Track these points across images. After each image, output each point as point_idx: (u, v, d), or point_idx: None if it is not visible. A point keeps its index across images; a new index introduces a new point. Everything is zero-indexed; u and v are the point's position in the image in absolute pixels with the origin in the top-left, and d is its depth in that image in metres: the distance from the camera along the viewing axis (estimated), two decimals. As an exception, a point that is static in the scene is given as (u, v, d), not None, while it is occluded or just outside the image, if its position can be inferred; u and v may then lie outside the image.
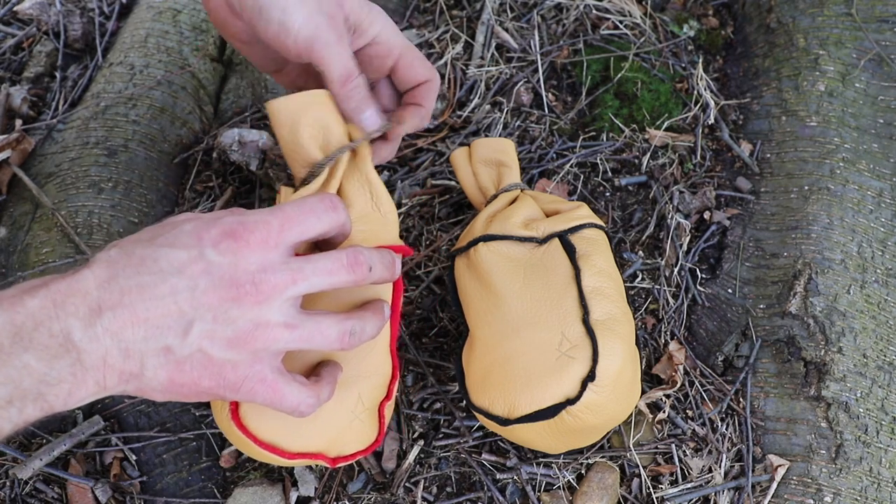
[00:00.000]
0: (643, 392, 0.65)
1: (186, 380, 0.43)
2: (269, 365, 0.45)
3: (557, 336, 0.55)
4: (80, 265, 0.42)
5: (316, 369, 0.52)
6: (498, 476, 0.63)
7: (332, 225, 0.48)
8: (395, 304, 0.59)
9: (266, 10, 0.52)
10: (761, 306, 0.69)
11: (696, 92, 0.80)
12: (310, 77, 0.63)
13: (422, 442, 0.65)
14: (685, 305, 0.70)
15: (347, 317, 0.48)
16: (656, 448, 0.64)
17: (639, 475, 0.63)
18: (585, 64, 0.83)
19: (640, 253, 0.73)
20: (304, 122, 0.56)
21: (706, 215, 0.75)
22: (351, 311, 0.50)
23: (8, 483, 0.63)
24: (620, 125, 0.79)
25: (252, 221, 0.44)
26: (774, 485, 0.62)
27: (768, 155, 0.77)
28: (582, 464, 0.63)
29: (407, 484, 0.63)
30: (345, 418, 0.55)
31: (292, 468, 0.64)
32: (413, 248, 0.75)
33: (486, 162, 0.69)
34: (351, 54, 0.56)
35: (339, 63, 0.55)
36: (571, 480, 0.63)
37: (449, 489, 0.64)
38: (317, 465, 0.64)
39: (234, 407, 0.52)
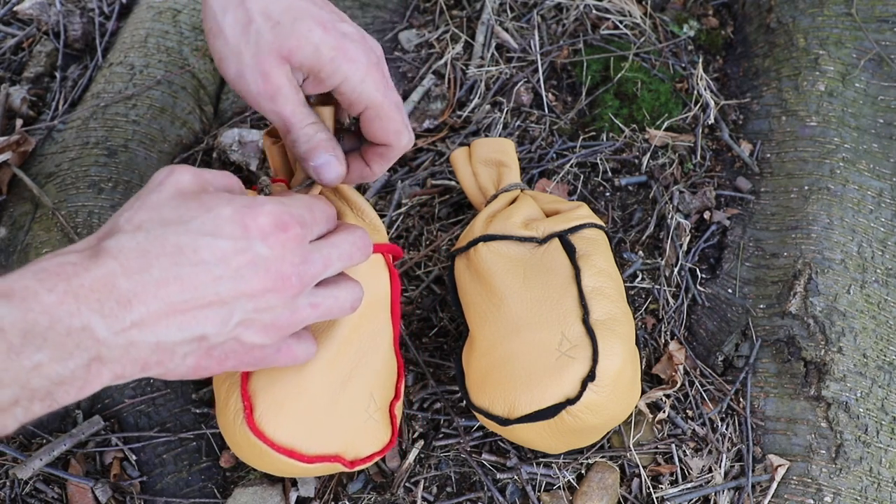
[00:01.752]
0: (643, 392, 0.65)
1: (212, 363, 0.44)
2: (290, 338, 0.48)
3: (557, 336, 0.55)
4: (94, 247, 0.39)
5: None
6: (498, 476, 0.63)
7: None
8: (395, 303, 0.60)
9: (222, 61, 0.51)
10: (761, 306, 0.69)
11: (696, 92, 0.80)
12: None
13: (422, 442, 0.65)
14: (685, 305, 0.70)
15: (353, 282, 0.50)
16: (656, 448, 0.64)
17: (639, 475, 0.63)
18: (585, 64, 0.83)
19: (640, 253, 0.73)
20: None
21: (706, 215, 0.75)
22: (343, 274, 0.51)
23: (8, 483, 0.63)
24: (620, 125, 0.79)
25: (298, 214, 0.45)
26: (774, 485, 0.62)
27: (768, 155, 0.77)
28: (582, 464, 0.63)
29: (407, 484, 0.63)
30: (360, 418, 0.56)
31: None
32: (413, 248, 0.75)
33: (486, 162, 0.68)
34: (292, 108, 0.51)
35: (276, 119, 0.52)
36: (571, 480, 0.63)
37: (449, 489, 0.64)
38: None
39: (249, 412, 0.51)
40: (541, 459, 0.63)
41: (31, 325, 0.36)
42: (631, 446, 0.63)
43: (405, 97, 0.83)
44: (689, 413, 0.66)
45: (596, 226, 0.62)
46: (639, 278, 0.72)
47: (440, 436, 0.65)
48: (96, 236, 0.41)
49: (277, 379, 0.52)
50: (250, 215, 0.42)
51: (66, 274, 0.37)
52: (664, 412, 0.65)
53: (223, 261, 0.41)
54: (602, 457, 0.64)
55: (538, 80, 0.82)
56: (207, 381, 0.68)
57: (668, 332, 0.69)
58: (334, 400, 0.54)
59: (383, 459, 0.64)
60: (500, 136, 0.79)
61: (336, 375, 0.55)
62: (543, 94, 0.82)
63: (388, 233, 0.75)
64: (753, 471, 0.63)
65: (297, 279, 0.44)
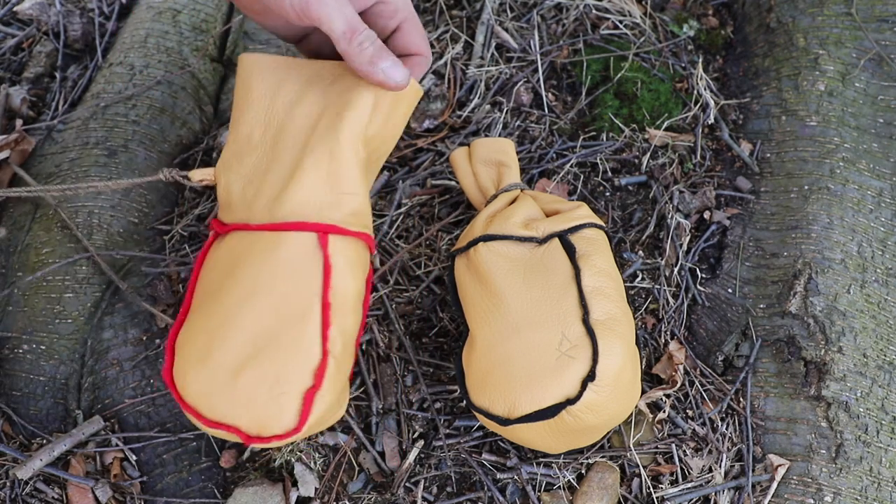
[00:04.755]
0: (643, 392, 0.65)
1: None
2: None
3: (557, 336, 0.55)
4: None
5: None
6: (498, 476, 0.63)
7: None
8: (366, 294, 0.60)
9: None
10: (761, 306, 0.69)
11: (695, 92, 0.80)
12: (331, 46, 0.61)
13: (422, 442, 0.65)
14: (685, 305, 0.70)
15: None
16: (656, 448, 0.64)
17: (639, 475, 0.63)
18: (585, 64, 0.83)
19: (640, 253, 0.73)
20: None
21: (706, 215, 0.75)
22: None
23: (8, 483, 0.63)
24: (620, 125, 0.79)
25: None
26: (774, 484, 0.62)
27: (768, 155, 0.77)
28: (582, 464, 0.63)
29: (407, 484, 0.63)
30: (263, 396, 0.53)
31: (292, 468, 0.64)
32: (413, 247, 0.74)
33: (486, 162, 0.69)
34: (352, 9, 0.54)
35: (339, 19, 0.53)
36: (571, 480, 0.63)
37: (449, 489, 0.64)
38: (313, 462, 0.64)
39: (169, 365, 0.54)
40: (541, 459, 0.63)
41: None
42: (631, 446, 0.63)
43: (405, 97, 0.83)
44: (689, 413, 0.66)
45: (596, 226, 0.62)
46: (639, 278, 0.72)
47: (440, 436, 0.65)
48: None
49: (197, 334, 0.54)
50: None
51: None
52: (664, 412, 0.65)
53: None
54: (602, 457, 0.64)
55: (538, 80, 0.82)
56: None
57: (668, 332, 0.69)
58: (238, 371, 0.53)
59: (384, 459, 0.64)
60: (500, 136, 0.79)
61: (243, 349, 0.54)
62: (543, 94, 0.82)
63: (388, 232, 0.75)
64: (753, 470, 0.63)
65: None
